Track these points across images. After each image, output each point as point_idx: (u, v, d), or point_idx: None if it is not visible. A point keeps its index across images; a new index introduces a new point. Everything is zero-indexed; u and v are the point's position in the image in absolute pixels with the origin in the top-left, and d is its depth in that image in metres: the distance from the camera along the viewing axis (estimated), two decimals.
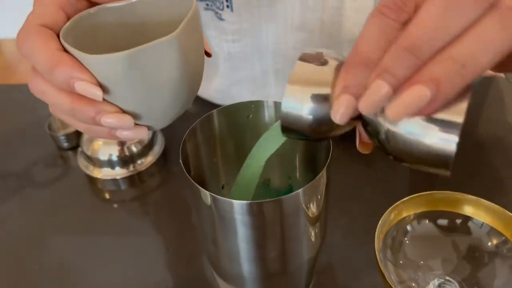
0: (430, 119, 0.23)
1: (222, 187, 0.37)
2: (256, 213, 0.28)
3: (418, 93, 0.21)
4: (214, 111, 0.33)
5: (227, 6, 0.50)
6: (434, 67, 0.21)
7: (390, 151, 0.25)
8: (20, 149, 0.59)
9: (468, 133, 0.57)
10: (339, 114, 0.23)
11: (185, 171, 0.29)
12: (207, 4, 0.53)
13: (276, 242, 0.30)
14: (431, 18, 0.22)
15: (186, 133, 0.31)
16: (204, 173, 0.35)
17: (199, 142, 0.33)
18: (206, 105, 0.62)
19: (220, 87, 0.61)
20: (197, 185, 0.28)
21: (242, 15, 0.51)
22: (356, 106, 0.23)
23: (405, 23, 0.23)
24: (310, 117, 0.25)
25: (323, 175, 0.29)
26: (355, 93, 0.23)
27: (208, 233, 0.31)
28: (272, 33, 0.53)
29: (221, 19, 0.52)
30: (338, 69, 0.25)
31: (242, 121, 0.34)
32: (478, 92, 0.61)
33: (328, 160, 0.29)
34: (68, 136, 0.58)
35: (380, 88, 0.22)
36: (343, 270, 0.44)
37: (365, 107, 0.23)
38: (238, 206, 0.27)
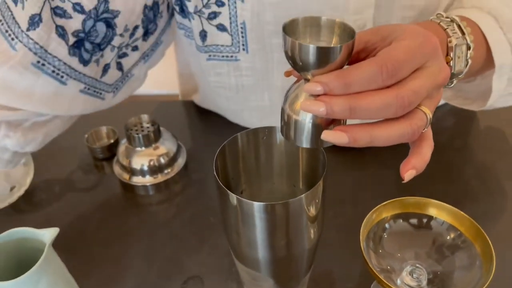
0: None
1: (241, 192, 0.47)
2: (270, 212, 0.38)
3: (342, 137, 0.33)
4: (238, 134, 0.43)
5: (243, 49, 0.59)
6: (359, 131, 0.33)
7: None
8: (62, 159, 0.69)
9: (443, 147, 0.67)
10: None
11: (218, 179, 0.39)
12: (209, 56, 0.62)
13: (284, 234, 0.40)
14: (362, 73, 0.32)
15: (218, 150, 0.41)
16: (228, 181, 0.45)
17: (226, 157, 0.43)
18: (220, 120, 0.73)
19: (233, 109, 0.70)
20: (226, 189, 0.38)
21: (256, 57, 0.59)
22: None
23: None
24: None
25: (320, 184, 0.39)
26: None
27: (232, 226, 0.41)
28: (282, 73, 0.61)
29: (235, 60, 0.61)
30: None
31: (258, 141, 0.44)
32: (452, 111, 0.71)
33: (324, 173, 0.39)
34: (102, 148, 0.68)
35: (314, 86, 0.33)
36: (336, 259, 0.53)
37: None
38: (257, 207, 0.37)
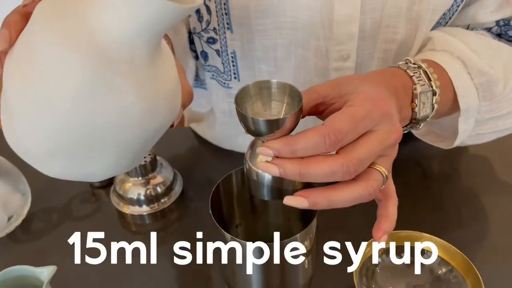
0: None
1: (236, 227, 0.48)
2: (264, 252, 0.39)
3: (303, 202, 0.35)
4: (233, 172, 0.43)
5: (235, 77, 0.62)
6: (318, 196, 0.35)
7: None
8: (60, 187, 0.70)
9: (433, 175, 0.69)
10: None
11: (214, 221, 0.39)
12: (212, 75, 0.65)
13: (278, 272, 0.41)
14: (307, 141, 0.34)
15: (213, 189, 0.42)
16: (224, 216, 0.45)
17: (221, 194, 0.44)
18: (215, 147, 0.74)
19: (228, 135, 0.72)
20: (223, 230, 0.39)
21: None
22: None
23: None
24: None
25: (314, 222, 0.40)
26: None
27: (228, 263, 0.42)
28: None
29: (228, 87, 0.63)
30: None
31: None
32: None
33: (317, 212, 0.40)
34: None
35: (266, 150, 0.35)
36: None
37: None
38: (250, 246, 0.38)
